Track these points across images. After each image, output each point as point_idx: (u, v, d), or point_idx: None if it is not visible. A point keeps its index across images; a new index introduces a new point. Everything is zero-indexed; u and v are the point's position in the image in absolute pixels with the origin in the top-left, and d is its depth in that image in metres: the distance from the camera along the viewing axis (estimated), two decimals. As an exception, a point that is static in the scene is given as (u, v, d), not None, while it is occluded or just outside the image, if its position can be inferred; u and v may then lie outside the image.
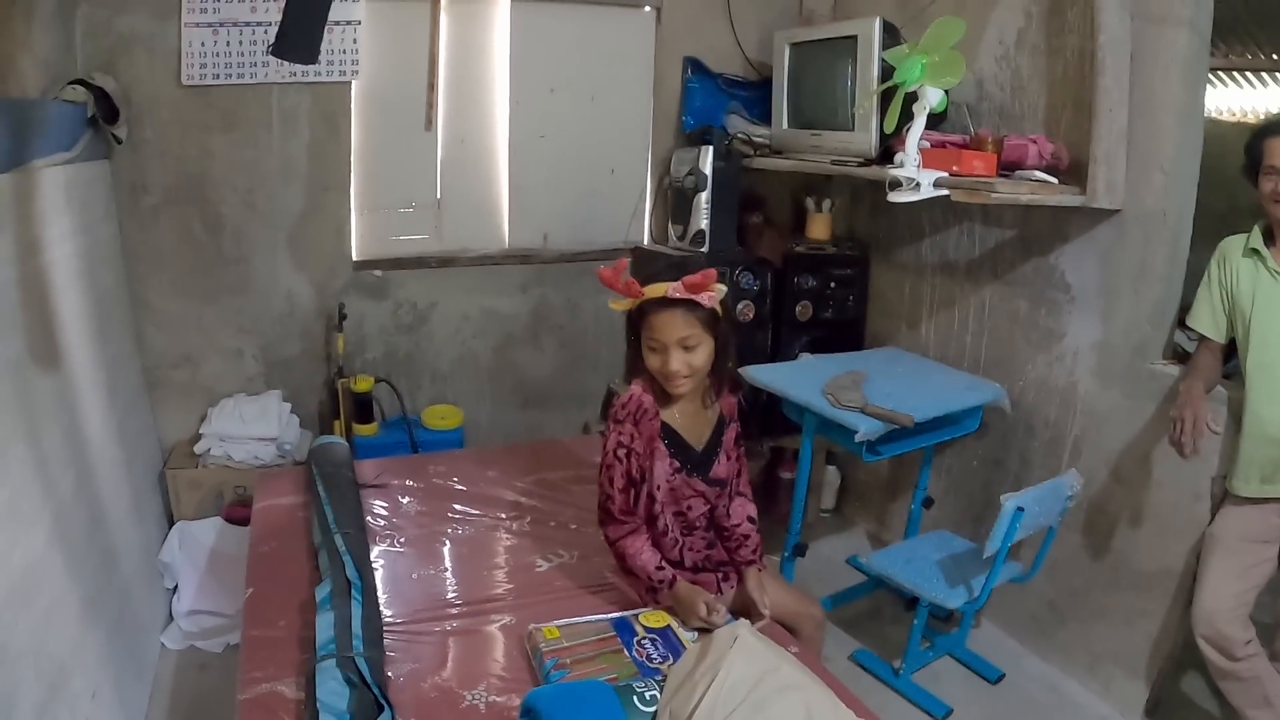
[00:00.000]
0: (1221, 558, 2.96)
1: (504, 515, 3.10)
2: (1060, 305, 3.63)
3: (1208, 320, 3.03)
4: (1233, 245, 2.98)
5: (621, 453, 2.42)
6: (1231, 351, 3.06)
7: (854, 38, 3.67)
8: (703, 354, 2.40)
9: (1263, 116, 4.97)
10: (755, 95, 4.47)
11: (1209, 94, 6.42)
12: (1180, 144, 3.17)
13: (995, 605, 3.77)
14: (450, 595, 2.59)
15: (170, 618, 3.47)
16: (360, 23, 3.79)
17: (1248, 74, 6.29)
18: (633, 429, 2.42)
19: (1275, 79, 6.18)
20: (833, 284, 4.40)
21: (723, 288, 2.43)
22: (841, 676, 2.80)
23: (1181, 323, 3.28)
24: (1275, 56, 5.95)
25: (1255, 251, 2.89)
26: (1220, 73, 6.26)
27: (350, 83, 3.84)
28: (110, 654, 2.74)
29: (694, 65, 4.45)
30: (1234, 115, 6.58)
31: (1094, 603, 3.57)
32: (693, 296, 2.35)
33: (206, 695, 3.13)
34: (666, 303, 2.36)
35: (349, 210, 3.97)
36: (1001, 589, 3.40)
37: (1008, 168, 3.35)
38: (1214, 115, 6.63)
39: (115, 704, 2.71)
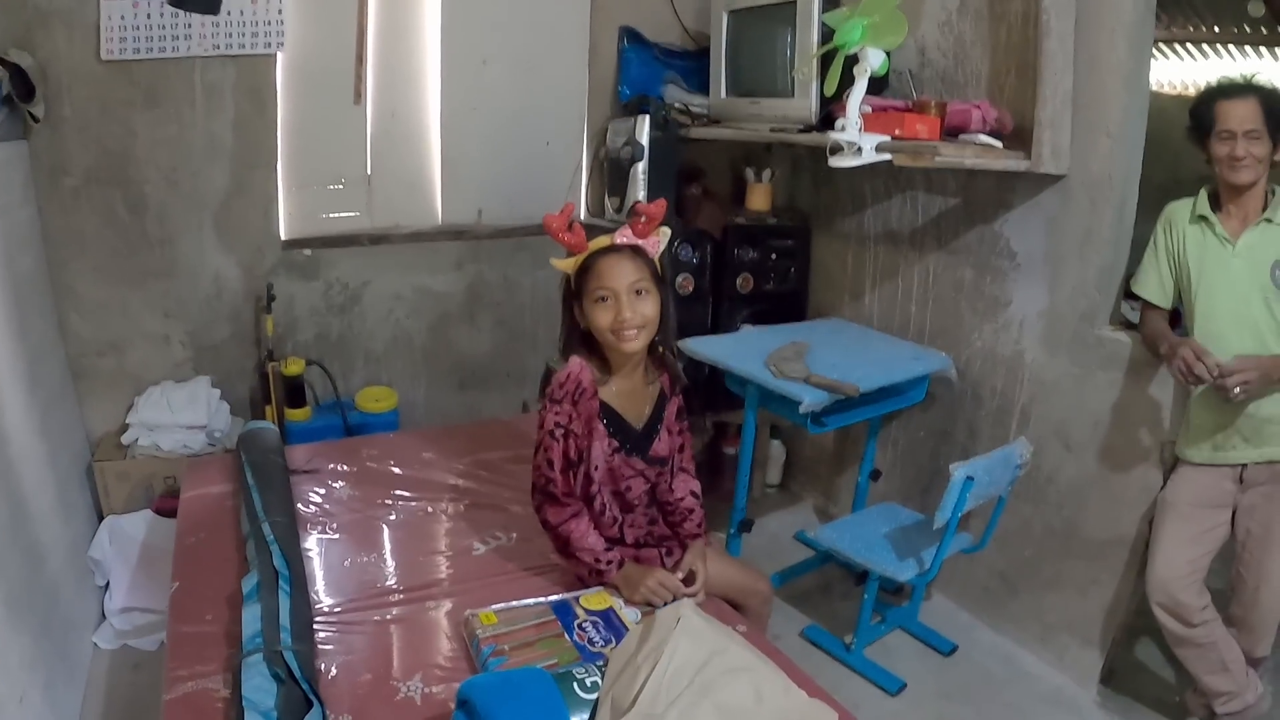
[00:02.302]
0: (1175, 524, 2.97)
1: (440, 498, 3.02)
2: (1005, 273, 3.61)
3: (1154, 287, 3.01)
4: (1179, 211, 2.96)
5: (559, 433, 2.33)
6: (1175, 319, 3.05)
7: (793, 3, 3.60)
8: (652, 305, 2.32)
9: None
10: (693, 64, 4.39)
11: (1150, 67, 6.49)
12: (1126, 108, 3.15)
13: (946, 577, 3.76)
14: (385, 582, 2.50)
15: (103, 616, 3.37)
16: (285, -6, 3.65)
17: (1189, 46, 6.32)
18: (570, 409, 2.33)
19: (1216, 51, 6.22)
20: (774, 255, 4.35)
21: (667, 231, 2.38)
22: (792, 653, 2.75)
23: (1127, 292, 3.26)
24: (1217, 29, 5.98)
25: (1202, 218, 2.87)
26: (1162, 44, 6.28)
27: (276, 55, 3.70)
28: (38, 656, 2.63)
29: (630, 35, 4.37)
30: (1175, 88, 6.64)
31: (1046, 572, 3.57)
32: (640, 242, 2.31)
33: (142, 695, 3.03)
34: (613, 250, 2.30)
35: (276, 188, 3.85)
36: (952, 561, 3.38)
37: (951, 133, 3.32)
38: (1155, 88, 6.70)
39: (45, 708, 2.61)
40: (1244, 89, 2.79)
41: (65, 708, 2.83)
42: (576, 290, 2.34)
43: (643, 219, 2.33)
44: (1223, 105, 2.75)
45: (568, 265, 2.35)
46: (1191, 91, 5.87)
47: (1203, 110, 2.81)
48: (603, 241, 2.31)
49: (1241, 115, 2.73)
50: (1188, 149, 2.93)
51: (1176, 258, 2.96)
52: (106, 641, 3.29)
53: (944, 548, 3.18)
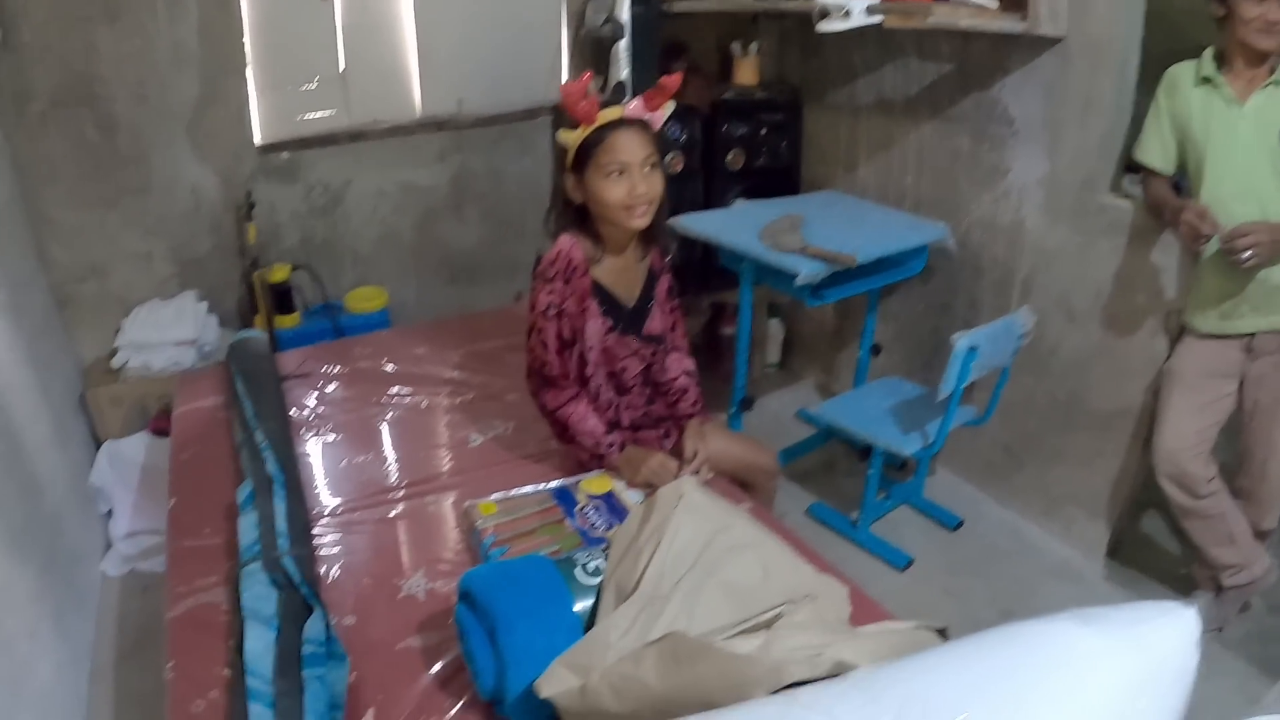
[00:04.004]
0: (1182, 394, 2.93)
1: (436, 392, 2.98)
2: (1003, 140, 3.51)
3: (1157, 152, 2.91)
4: (1182, 74, 2.84)
5: (552, 313, 2.28)
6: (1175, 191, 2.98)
7: None
8: (660, 180, 2.27)
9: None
10: (676, -68, 4.22)
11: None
12: (1127, -34, 3.02)
13: (949, 452, 3.75)
14: (384, 480, 2.48)
15: (109, 544, 3.35)
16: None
17: None
18: (562, 286, 2.27)
19: None
20: (764, 130, 4.25)
21: (672, 104, 2.32)
22: (799, 531, 2.73)
23: (1127, 166, 3.18)
24: None
25: (1207, 80, 2.76)
26: None
27: (238, -49, 3.55)
28: (45, 589, 2.61)
29: (609, -96, 4.19)
30: None
31: (1050, 445, 3.55)
32: (649, 115, 2.26)
33: (154, 618, 2.99)
34: (627, 123, 2.23)
35: (248, 92, 3.72)
36: (955, 435, 3.34)
37: (944, -5, 3.19)
38: None
39: (57, 640, 2.60)
40: None
41: (77, 638, 2.83)
42: (580, 163, 2.26)
43: (656, 92, 2.27)
44: None
45: (576, 136, 2.25)
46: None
47: None
48: (613, 113, 2.24)
49: None
50: (1187, 17, 2.84)
51: (1180, 122, 2.85)
52: (114, 568, 3.28)
53: (948, 420, 3.16)
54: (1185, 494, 2.91)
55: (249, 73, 3.70)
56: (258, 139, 3.79)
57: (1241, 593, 3.03)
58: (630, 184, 2.21)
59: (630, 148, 2.21)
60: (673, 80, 2.28)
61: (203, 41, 3.56)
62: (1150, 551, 3.52)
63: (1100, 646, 1.14)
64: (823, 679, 1.25)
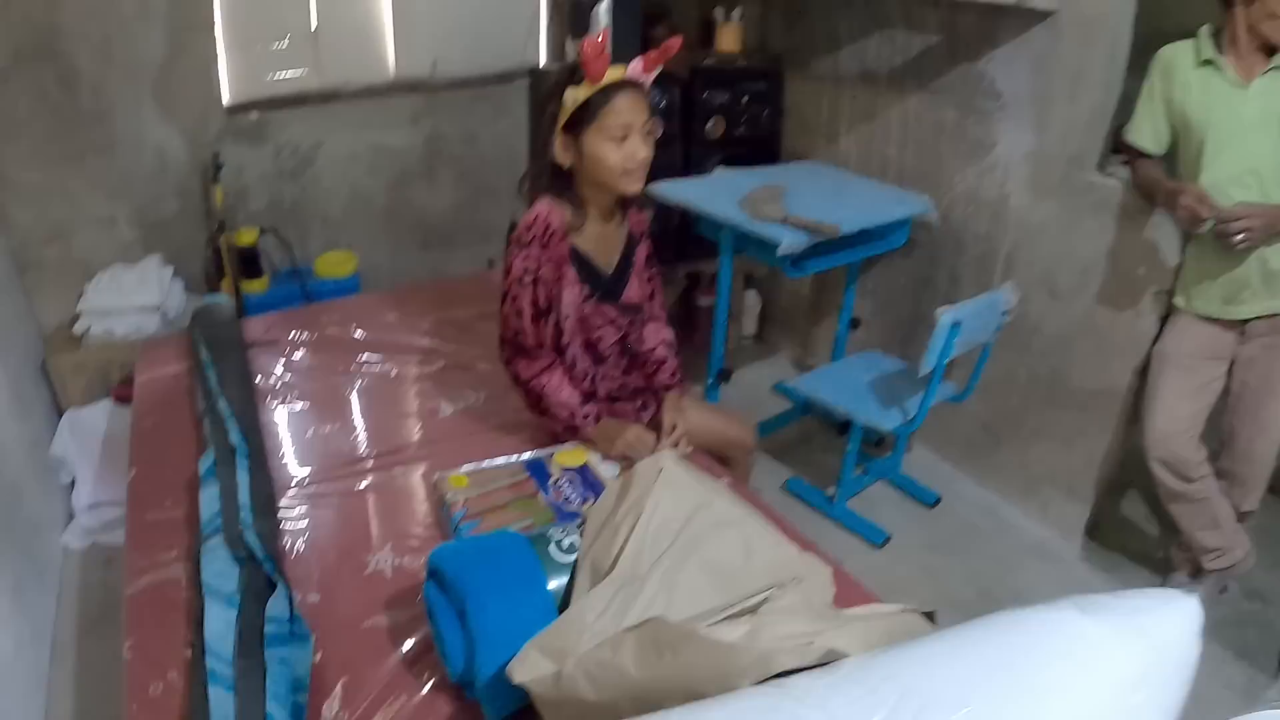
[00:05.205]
0: (1174, 377, 2.93)
1: (406, 360, 2.92)
2: (990, 114, 3.48)
3: (1149, 134, 2.89)
4: (1179, 56, 2.81)
5: (528, 279, 2.22)
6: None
7: None
8: (652, 146, 2.22)
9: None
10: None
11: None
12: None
13: (928, 428, 3.69)
14: (350, 451, 2.41)
15: (72, 515, 3.28)
16: None
17: None
18: (539, 252, 2.21)
19: None
20: (745, 98, 4.20)
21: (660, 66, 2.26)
22: (774, 507, 2.68)
23: (1113, 146, 3.16)
24: None
25: (1208, 62, 2.72)
26: None
27: (208, -97, 3.46)
28: (3, 562, 2.54)
29: None
30: None
31: (1030, 423, 3.55)
32: (645, 78, 2.20)
33: (117, 593, 2.92)
34: (631, 85, 2.17)
35: (216, 50, 3.63)
36: (934, 411, 3.30)
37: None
38: None
39: (16, 614, 2.53)
40: None
41: (37, 612, 2.76)
42: (576, 124, 2.18)
43: (658, 53, 2.19)
44: None
45: (581, 94, 2.16)
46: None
47: None
48: (616, 74, 2.16)
49: None
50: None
51: (1177, 105, 2.82)
52: (77, 540, 3.21)
53: (929, 396, 3.13)
54: (1177, 478, 2.91)
55: (217, 30, 3.61)
56: (226, 99, 3.72)
57: (1221, 576, 3.05)
58: (632, 149, 2.16)
59: (634, 110, 2.16)
60: (674, 42, 2.20)
61: (170, -2, 3.47)
62: (1128, 533, 3.53)
63: (1102, 636, 1.10)
64: (813, 668, 1.19)
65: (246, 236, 3.68)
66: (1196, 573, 3.07)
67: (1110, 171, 3.18)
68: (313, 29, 3.80)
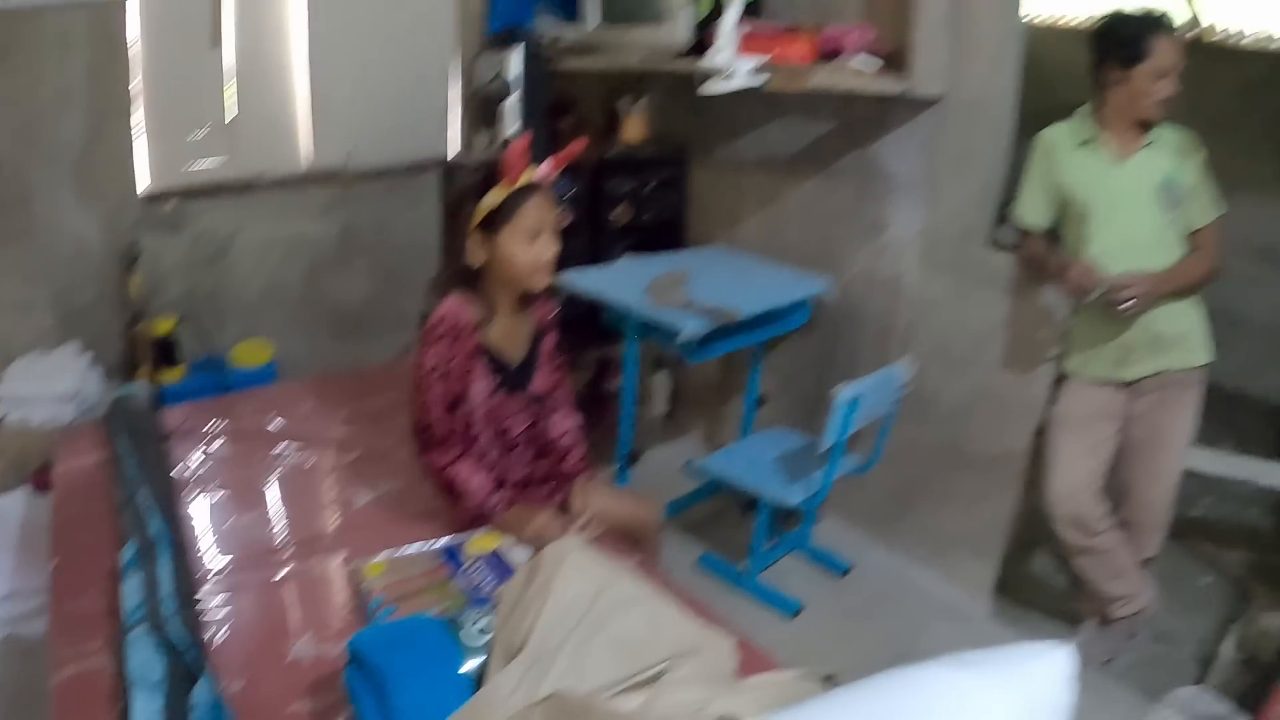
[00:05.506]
0: (1070, 438, 3.05)
1: (323, 449, 2.96)
2: (884, 195, 3.64)
3: (1035, 212, 3.05)
4: (1060, 137, 2.99)
5: (439, 373, 2.31)
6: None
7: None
8: (559, 240, 2.35)
9: (1083, 19, 5.04)
10: (566, -8, 4.30)
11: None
12: (1002, 30, 3.20)
13: (837, 498, 3.80)
14: (272, 540, 2.44)
15: (-12, 607, 3.24)
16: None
17: None
18: (449, 347, 2.30)
19: None
20: (650, 186, 4.33)
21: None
22: (688, 582, 2.77)
23: (1002, 219, 3.31)
24: None
25: (1088, 141, 2.91)
26: None
27: (128, -2, 3.52)
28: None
29: (500, -36, 4.26)
30: (1048, 19, 6.84)
31: (935, 489, 3.66)
32: (547, 179, 2.33)
33: (34, 684, 2.87)
34: (542, 186, 2.30)
35: (136, 139, 3.67)
36: (842, 482, 3.42)
37: (828, 55, 3.33)
38: (1026, 19, 6.86)
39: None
40: (1176, 29, 2.81)
41: (-53, 709, 2.72)
42: (492, 224, 2.29)
43: (564, 155, 2.36)
44: (1165, 43, 2.76)
45: (498, 197, 2.28)
46: (1063, 23, 6.03)
47: (1139, 40, 2.78)
48: (528, 175, 2.28)
49: (1178, 57, 2.76)
50: (1061, 76, 2.99)
51: (1059, 183, 2.98)
52: (-7, 633, 3.17)
53: (831, 470, 3.24)
54: (1081, 534, 3.01)
55: (137, 118, 3.65)
56: (144, 187, 3.73)
57: (1130, 623, 3.13)
58: (544, 247, 2.29)
59: (545, 210, 2.29)
60: (579, 144, 2.36)
61: (91, 84, 3.52)
62: (1036, 588, 3.63)
63: (979, 687, 1.19)
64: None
65: (163, 325, 3.68)
66: (1104, 621, 3.16)
67: (999, 240, 3.34)
68: (230, 119, 3.85)
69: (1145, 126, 2.87)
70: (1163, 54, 2.75)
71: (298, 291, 4.20)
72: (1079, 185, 2.94)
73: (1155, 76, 2.76)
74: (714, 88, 3.12)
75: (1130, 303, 2.75)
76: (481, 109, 4.10)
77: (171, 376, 3.73)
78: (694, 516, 4.00)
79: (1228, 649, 3.19)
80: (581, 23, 4.09)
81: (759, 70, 3.12)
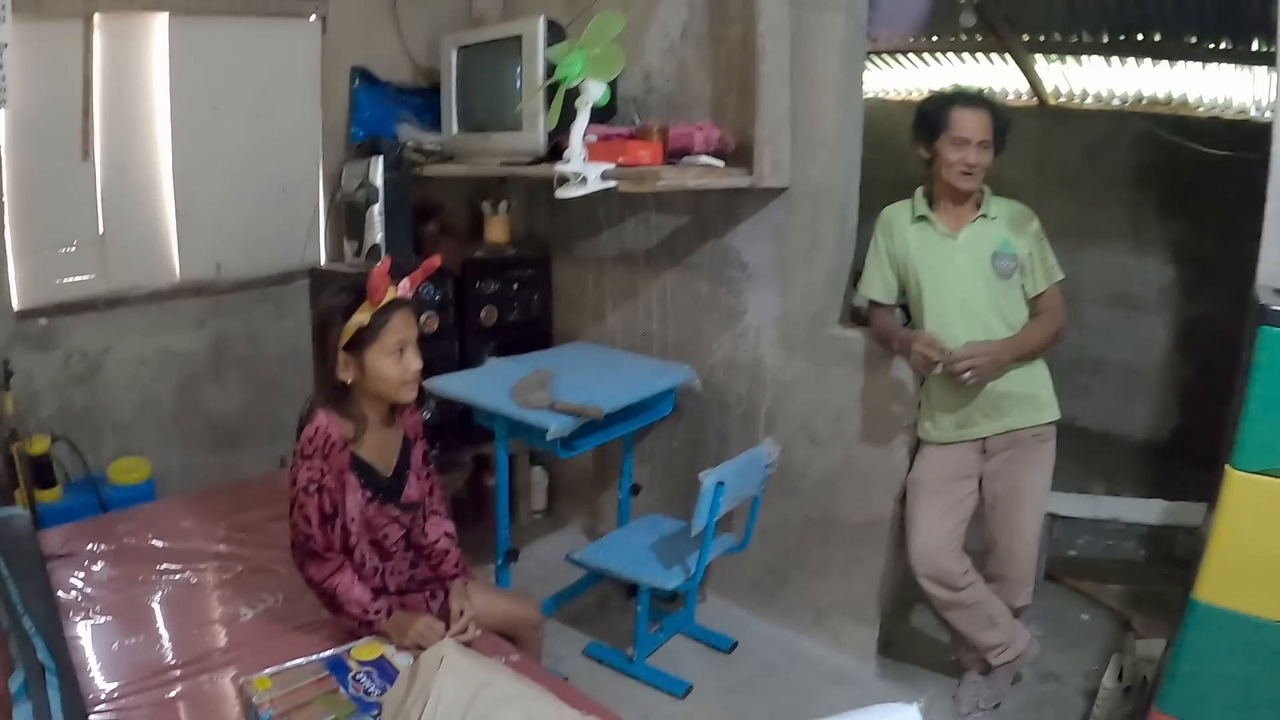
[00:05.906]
0: (927, 500, 3.20)
1: (204, 566, 2.99)
2: (739, 283, 3.80)
3: (879, 287, 3.25)
4: (897, 215, 3.20)
5: (313, 488, 2.36)
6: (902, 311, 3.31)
7: (519, 37, 3.72)
8: (421, 354, 2.45)
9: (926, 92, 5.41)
10: (426, 102, 4.42)
11: (875, 76, 6.99)
12: (841, 122, 3.40)
13: (717, 578, 3.95)
14: (157, 660, 2.47)
15: None
16: (6, 45, 3.39)
17: (909, 55, 6.92)
18: (321, 463, 2.37)
19: (936, 59, 6.85)
20: (515, 285, 4.43)
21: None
22: (577, 672, 2.83)
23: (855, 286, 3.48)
24: (934, 38, 6.55)
25: (922, 218, 3.11)
26: (885, 55, 6.86)
27: (-1, 112, 3.53)
28: None
29: (362, 75, 4.37)
30: (899, 94, 7.27)
31: (811, 560, 3.77)
32: (409, 294, 2.42)
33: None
34: (405, 302, 2.40)
35: (5, 255, 3.65)
36: (720, 561, 3.56)
37: (676, 155, 3.46)
38: (881, 95, 7.36)
39: None
40: (980, 100, 3.06)
41: None
42: (360, 343, 2.37)
43: (420, 272, 2.46)
44: (960, 113, 2.99)
45: (366, 317, 2.35)
46: (915, 97, 6.38)
47: (937, 113, 3.04)
48: (390, 294, 2.37)
49: (975, 125, 2.99)
50: (913, 150, 3.17)
51: (899, 258, 3.19)
52: None
53: (705, 552, 3.34)
54: (944, 589, 3.14)
55: (5, 234, 3.63)
56: (15, 304, 3.71)
57: (1010, 668, 3.29)
58: (408, 360, 2.39)
59: (408, 325, 2.40)
60: (434, 261, 2.48)
61: (-42, 202, 3.48)
62: (919, 644, 3.76)
63: None
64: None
65: (38, 445, 3.63)
66: (987, 669, 3.30)
67: (856, 303, 3.52)
68: (100, 234, 3.86)
69: (976, 202, 3.10)
70: (960, 123, 2.99)
71: (172, 405, 4.17)
72: (915, 259, 3.14)
73: (956, 145, 2.99)
74: (567, 193, 3.24)
75: (970, 373, 2.93)
76: (348, 216, 4.17)
77: (49, 497, 3.68)
78: (579, 606, 4.04)
79: (1109, 680, 3.32)
80: (442, 131, 4.23)
81: (609, 175, 3.24)
